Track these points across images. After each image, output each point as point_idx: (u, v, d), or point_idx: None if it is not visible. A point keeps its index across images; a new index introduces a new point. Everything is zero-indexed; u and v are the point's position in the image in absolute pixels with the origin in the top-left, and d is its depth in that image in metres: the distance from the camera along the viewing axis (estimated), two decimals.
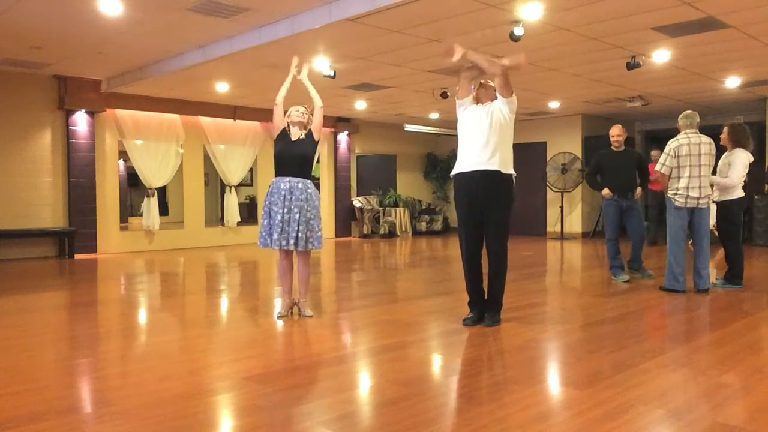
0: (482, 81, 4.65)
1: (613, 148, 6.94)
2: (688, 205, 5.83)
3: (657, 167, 5.97)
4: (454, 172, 4.57)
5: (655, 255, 9.18)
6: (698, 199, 5.81)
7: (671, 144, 5.90)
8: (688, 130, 5.91)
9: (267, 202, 4.80)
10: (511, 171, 4.50)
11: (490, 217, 4.45)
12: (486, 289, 4.63)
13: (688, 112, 6.03)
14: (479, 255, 4.58)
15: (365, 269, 8.73)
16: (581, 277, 7.58)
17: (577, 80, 9.54)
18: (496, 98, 4.55)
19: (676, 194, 5.85)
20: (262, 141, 12.48)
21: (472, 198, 4.47)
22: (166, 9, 6.20)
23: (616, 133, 6.91)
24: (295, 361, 3.81)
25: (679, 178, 5.84)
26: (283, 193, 4.70)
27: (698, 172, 5.78)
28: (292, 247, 4.71)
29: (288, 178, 4.75)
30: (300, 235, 4.69)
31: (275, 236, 4.70)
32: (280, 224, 4.68)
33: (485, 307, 4.59)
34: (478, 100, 4.61)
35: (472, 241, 4.55)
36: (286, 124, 4.90)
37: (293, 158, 4.78)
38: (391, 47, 7.47)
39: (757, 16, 6.32)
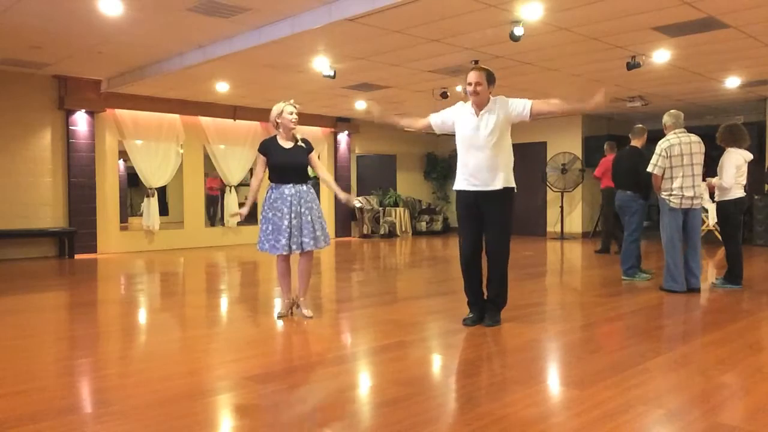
0: (476, 90, 4.32)
1: (641, 146, 6.95)
2: (683, 206, 5.81)
3: (649, 168, 5.90)
4: (456, 187, 4.54)
5: (655, 255, 9.18)
6: (692, 199, 5.80)
7: (662, 144, 5.83)
8: (677, 130, 5.88)
9: (266, 207, 4.74)
10: (512, 183, 4.42)
11: (490, 219, 4.44)
12: (485, 290, 4.62)
13: (674, 111, 5.99)
14: (478, 256, 4.56)
15: (365, 269, 8.73)
16: (581, 277, 7.58)
17: (577, 80, 9.54)
18: (488, 102, 4.34)
19: (670, 195, 5.81)
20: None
21: (471, 208, 4.47)
22: (166, 9, 6.20)
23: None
24: (295, 361, 3.82)
25: (672, 178, 5.79)
26: (289, 198, 4.64)
27: (691, 172, 5.76)
28: (309, 248, 4.67)
29: (290, 184, 4.69)
30: (318, 233, 4.71)
31: (283, 242, 4.62)
32: (288, 229, 4.61)
33: (485, 307, 4.58)
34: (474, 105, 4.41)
35: (470, 242, 4.52)
36: (276, 124, 4.76)
37: (294, 167, 4.73)
38: (391, 47, 7.47)
39: (757, 16, 6.32)
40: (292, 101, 4.80)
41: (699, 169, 5.80)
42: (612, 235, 9.56)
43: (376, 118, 4.96)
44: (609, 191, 9.06)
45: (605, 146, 9.92)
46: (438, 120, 4.59)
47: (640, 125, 7.15)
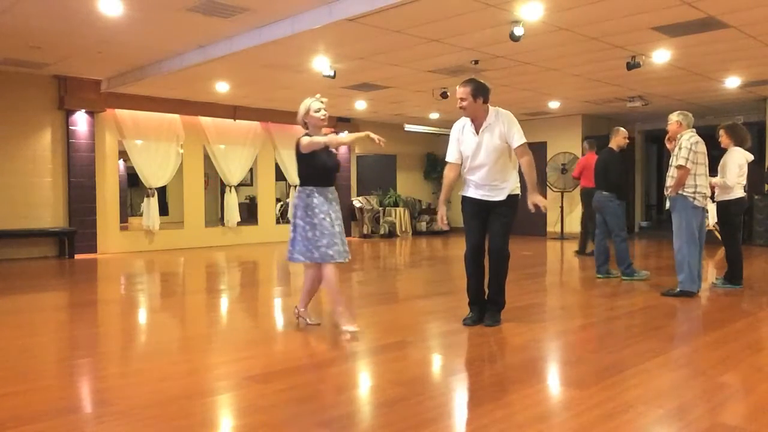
0: (461, 106, 4.32)
1: (618, 149, 7.01)
2: (703, 204, 5.76)
3: (681, 162, 5.62)
4: (462, 193, 4.58)
5: (654, 255, 9.17)
6: (708, 198, 5.79)
7: (691, 138, 5.64)
8: (692, 129, 5.86)
9: (307, 213, 4.27)
10: (517, 191, 4.47)
11: (494, 220, 4.48)
12: (486, 289, 4.63)
13: (686, 112, 5.97)
14: (482, 254, 4.58)
15: (365, 269, 8.72)
16: (581, 277, 7.57)
17: (577, 80, 9.54)
18: (486, 115, 4.33)
19: (695, 193, 5.64)
20: (262, 141, 12.48)
21: (477, 212, 4.53)
22: (166, 9, 6.20)
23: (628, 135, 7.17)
24: (295, 361, 3.81)
25: (696, 175, 5.62)
26: (333, 203, 4.35)
27: (705, 171, 5.74)
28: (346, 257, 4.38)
29: (330, 188, 4.40)
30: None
31: (339, 248, 4.26)
32: (339, 235, 4.31)
33: (485, 307, 4.59)
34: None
35: (474, 241, 4.55)
36: (304, 124, 4.46)
37: (334, 169, 4.45)
38: (391, 47, 7.47)
39: (757, 16, 6.32)
40: (318, 96, 4.45)
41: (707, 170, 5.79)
42: (587, 234, 9.54)
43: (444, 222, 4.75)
44: (585, 191, 9.06)
45: (583, 145, 9.86)
46: (454, 156, 4.53)
47: (617, 127, 7.23)
